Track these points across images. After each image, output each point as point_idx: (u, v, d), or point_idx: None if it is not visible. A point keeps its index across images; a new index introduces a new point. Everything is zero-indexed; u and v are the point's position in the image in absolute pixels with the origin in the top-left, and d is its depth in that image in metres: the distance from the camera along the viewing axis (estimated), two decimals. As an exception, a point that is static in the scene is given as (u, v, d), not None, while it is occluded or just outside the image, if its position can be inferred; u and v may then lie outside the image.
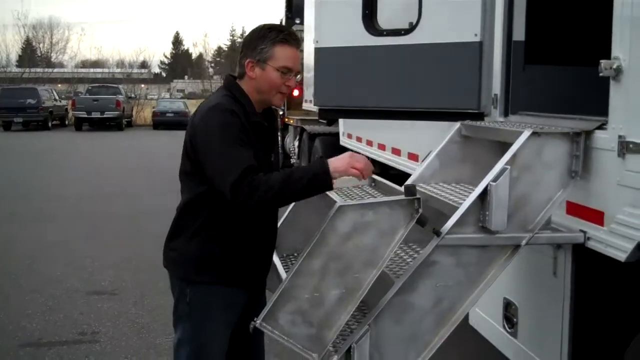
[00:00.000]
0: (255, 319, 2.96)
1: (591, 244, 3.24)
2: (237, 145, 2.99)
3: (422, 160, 4.07)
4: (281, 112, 17.30)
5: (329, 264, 2.97)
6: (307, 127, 12.76)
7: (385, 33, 4.54)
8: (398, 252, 3.75)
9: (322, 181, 2.95)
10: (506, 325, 4.08)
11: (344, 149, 10.40)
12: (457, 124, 4.00)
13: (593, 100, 4.33)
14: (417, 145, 5.88)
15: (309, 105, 12.49)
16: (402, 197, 3.01)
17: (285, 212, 3.83)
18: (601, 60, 3.04)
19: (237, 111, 3.08)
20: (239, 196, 2.89)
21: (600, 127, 3.20)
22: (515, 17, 4.12)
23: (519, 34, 4.15)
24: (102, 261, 8.66)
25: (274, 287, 3.48)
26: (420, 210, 3.00)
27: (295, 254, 3.80)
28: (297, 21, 17.98)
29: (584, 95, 4.24)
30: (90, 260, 8.72)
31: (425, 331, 3.16)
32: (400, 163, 6.30)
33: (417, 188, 3.83)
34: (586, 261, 3.39)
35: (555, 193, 3.26)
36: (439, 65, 4.31)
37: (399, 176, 7.32)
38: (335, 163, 2.98)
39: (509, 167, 3.12)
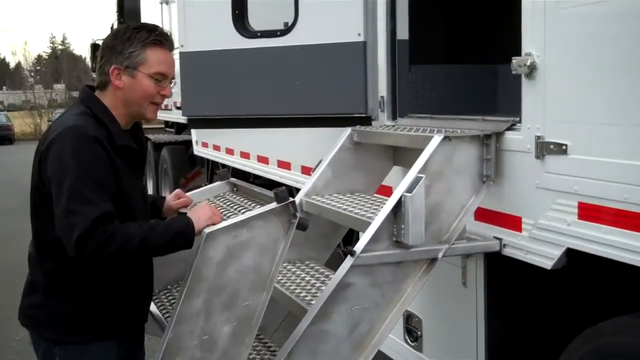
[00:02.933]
0: None
1: (508, 252, 3.07)
2: (92, 186, 2.51)
3: (313, 170, 3.77)
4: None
5: (212, 300, 2.64)
6: (151, 136, 12.13)
7: (258, 34, 4.19)
8: (299, 273, 3.44)
9: (186, 237, 2.62)
10: (408, 339, 3.87)
11: (196, 159, 9.94)
12: (348, 130, 3.74)
13: (483, 99, 4.24)
14: (288, 153, 5.58)
15: (152, 114, 11.89)
16: (274, 205, 2.71)
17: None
18: (513, 58, 2.87)
19: (100, 136, 2.59)
20: (84, 250, 2.44)
21: (511, 128, 3.04)
22: (398, 15, 3.91)
23: (403, 33, 3.94)
24: None
25: (154, 330, 3.09)
26: (299, 214, 2.74)
27: (169, 287, 3.39)
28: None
29: (474, 95, 4.13)
30: None
31: (343, 360, 2.87)
32: (269, 172, 5.98)
33: (312, 201, 3.59)
34: (499, 270, 3.23)
35: (468, 200, 3.07)
36: (321, 67, 4.02)
37: (268, 186, 7.02)
38: (196, 214, 2.69)
39: (423, 175, 2.89)
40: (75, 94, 60.22)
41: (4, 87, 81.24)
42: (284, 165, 5.67)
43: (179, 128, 11.24)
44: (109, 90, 2.73)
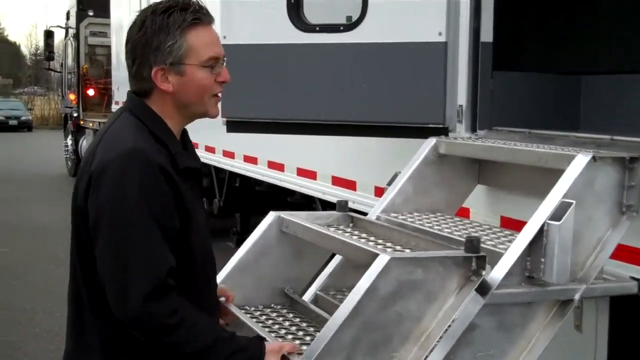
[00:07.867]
0: None
1: (648, 295, 2.66)
2: (158, 231, 2.04)
3: (390, 184, 3.29)
4: (75, 114, 15.63)
5: (361, 338, 2.18)
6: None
7: (318, 29, 3.69)
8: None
9: None
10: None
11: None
12: (432, 140, 3.27)
13: (574, 111, 3.84)
14: (313, 160, 5.07)
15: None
16: (461, 252, 2.25)
17: (241, 252, 2.85)
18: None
19: (163, 162, 2.09)
20: (153, 319, 2.02)
21: (658, 150, 2.63)
22: (483, 14, 3.48)
23: (487, 34, 3.51)
24: None
25: None
26: (483, 274, 2.25)
27: (253, 308, 2.86)
28: (91, 13, 16.30)
29: (557, 108, 3.72)
30: None
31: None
32: (284, 179, 5.47)
33: (392, 219, 3.12)
34: (624, 315, 2.82)
35: (605, 233, 2.64)
36: (392, 70, 3.54)
37: (267, 194, 6.49)
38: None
39: (574, 201, 2.44)
40: (7, 81, 57.91)
41: None
42: (305, 173, 5.16)
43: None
44: (155, 96, 2.21)
